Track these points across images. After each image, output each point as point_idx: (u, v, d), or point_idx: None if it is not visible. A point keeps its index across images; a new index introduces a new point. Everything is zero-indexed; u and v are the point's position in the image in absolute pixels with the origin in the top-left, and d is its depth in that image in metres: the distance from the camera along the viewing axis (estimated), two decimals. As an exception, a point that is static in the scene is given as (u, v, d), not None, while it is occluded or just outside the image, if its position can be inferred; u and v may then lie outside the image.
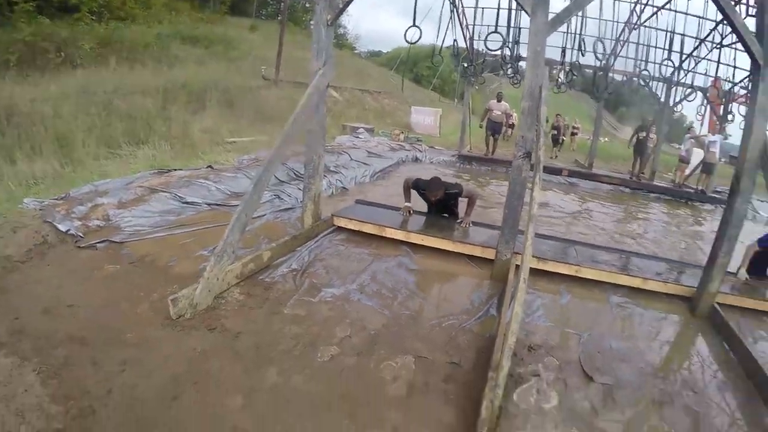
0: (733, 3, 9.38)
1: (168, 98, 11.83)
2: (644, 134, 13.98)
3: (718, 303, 4.89)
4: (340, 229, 5.49)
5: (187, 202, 5.78)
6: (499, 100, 13.78)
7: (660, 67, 11.73)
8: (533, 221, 3.88)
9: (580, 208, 9.96)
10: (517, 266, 4.70)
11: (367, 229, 5.36)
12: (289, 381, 2.88)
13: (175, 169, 6.97)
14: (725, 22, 4.61)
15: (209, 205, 5.90)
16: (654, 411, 3.12)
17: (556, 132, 17.63)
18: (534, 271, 4.81)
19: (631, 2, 11.99)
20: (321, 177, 5.44)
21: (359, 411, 2.72)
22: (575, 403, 3.00)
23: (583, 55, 11.56)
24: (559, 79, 13.57)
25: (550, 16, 4.31)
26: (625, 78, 13.37)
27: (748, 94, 4.58)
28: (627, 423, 2.95)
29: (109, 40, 15.77)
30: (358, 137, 13.22)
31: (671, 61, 11.81)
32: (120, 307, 3.48)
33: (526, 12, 4.30)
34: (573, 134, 21.29)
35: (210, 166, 7.42)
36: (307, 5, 41.32)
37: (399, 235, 5.25)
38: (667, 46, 11.88)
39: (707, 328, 4.66)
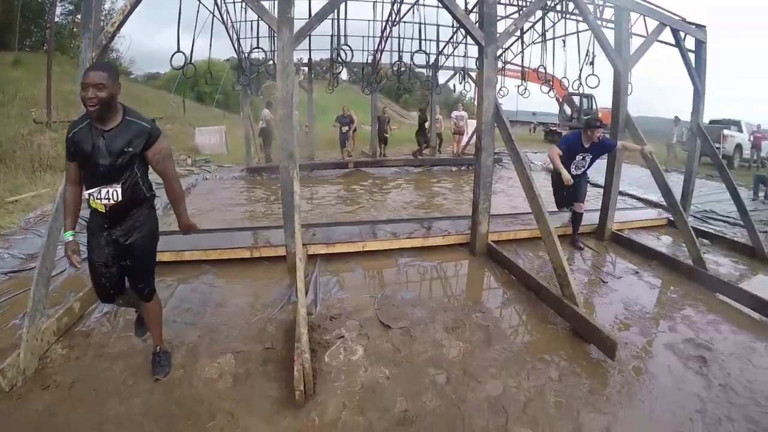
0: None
1: (-68, 160, 10.19)
2: (428, 123, 15.51)
3: (494, 241, 5.91)
4: (141, 264, 5.40)
5: (-19, 275, 5.15)
6: (270, 109, 14.02)
7: (424, 55, 12.75)
8: (298, 212, 4.49)
9: (374, 191, 10.74)
10: (310, 256, 5.32)
11: (166, 257, 5.25)
12: (130, 407, 2.93)
13: (-43, 242, 6.14)
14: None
15: (5, 274, 5.31)
16: (449, 335, 3.80)
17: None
18: (327, 256, 5.48)
19: (388, 2, 12.90)
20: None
21: (197, 410, 2.89)
22: (378, 348, 3.54)
23: (341, 58, 12.25)
24: (343, 77, 14.06)
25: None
26: (391, 70, 14.35)
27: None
28: (426, 349, 3.57)
29: None
30: (145, 170, 12.59)
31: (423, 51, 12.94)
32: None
33: (273, 30, 4.70)
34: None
35: (-5, 232, 6.65)
36: (75, 30, 37.30)
37: (197, 255, 5.35)
38: (426, 37, 13.01)
39: (486, 262, 5.65)
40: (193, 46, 7.19)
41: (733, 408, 3.11)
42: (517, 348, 3.68)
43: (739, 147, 18.18)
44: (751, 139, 18.01)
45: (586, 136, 5.90)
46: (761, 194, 10.82)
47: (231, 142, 17.63)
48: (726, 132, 17.81)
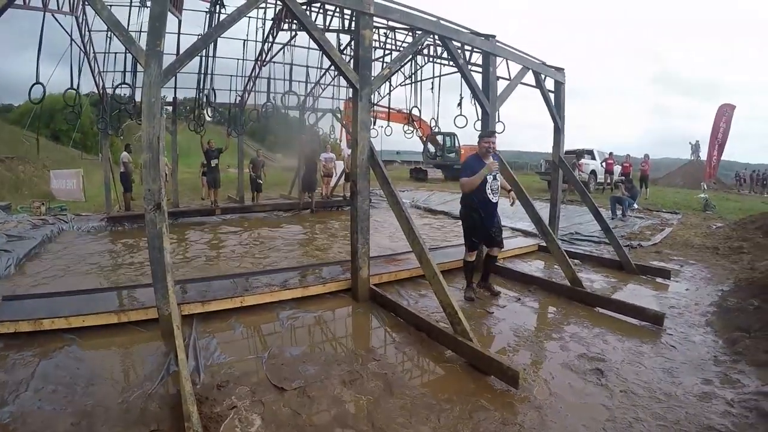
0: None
1: None
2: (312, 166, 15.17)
3: (375, 284, 5.88)
4: (-6, 337, 4.54)
5: None
6: (129, 152, 13.26)
7: (291, 97, 12.74)
8: (170, 271, 4.15)
9: (246, 239, 10.45)
10: (184, 316, 4.82)
11: (23, 327, 4.54)
12: None
13: None
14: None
15: None
16: (348, 389, 3.60)
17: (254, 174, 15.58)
18: (203, 315, 5.04)
19: (259, 41, 12.58)
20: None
21: None
22: (276, 414, 3.23)
23: (207, 99, 11.93)
24: (208, 117, 13.54)
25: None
26: (259, 110, 14.12)
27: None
28: (328, 408, 3.34)
29: None
30: (-6, 220, 11.08)
31: (294, 92, 12.94)
32: None
33: (141, 64, 4.27)
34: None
35: None
36: None
37: (59, 323, 4.62)
38: (295, 78, 12.97)
39: (371, 307, 5.55)
40: (73, 73, 6.56)
41: (639, 409, 3.33)
42: (419, 392, 3.59)
43: (593, 173, 20.25)
44: (604, 165, 20.15)
45: (483, 151, 5.51)
46: (618, 213, 12.07)
47: (89, 188, 16.30)
48: (581, 160, 19.70)
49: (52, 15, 7.61)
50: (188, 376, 3.15)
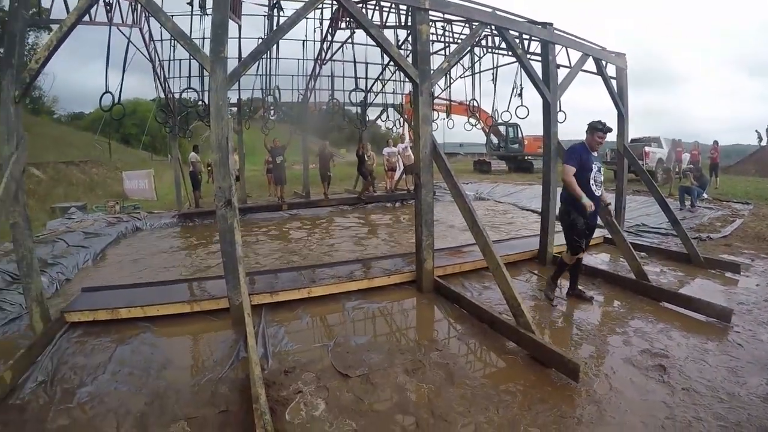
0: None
1: None
2: (362, 154, 15.23)
3: (439, 276, 5.88)
4: (74, 324, 4.87)
5: None
6: (197, 152, 13.79)
7: (353, 93, 12.93)
8: (241, 263, 4.32)
9: (313, 233, 10.65)
10: (253, 306, 4.94)
11: (101, 316, 4.92)
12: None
13: None
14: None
15: None
16: (411, 377, 3.68)
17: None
18: (271, 306, 5.24)
19: (317, 41, 12.81)
20: (38, 273, 4.70)
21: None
22: (340, 399, 3.35)
23: (273, 96, 12.24)
24: (270, 116, 13.87)
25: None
26: (322, 108, 14.31)
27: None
28: (390, 395, 3.42)
29: None
30: (71, 218, 11.77)
31: (359, 88, 13.13)
32: None
33: (206, 70, 4.50)
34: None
35: None
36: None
37: (134, 312, 4.96)
38: (355, 75, 13.09)
39: (435, 298, 5.58)
40: (121, 86, 6.92)
41: (700, 408, 3.23)
42: (480, 382, 3.62)
43: (660, 161, 19.22)
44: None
45: (594, 142, 5.13)
46: (687, 203, 11.53)
47: (160, 187, 17.01)
48: (648, 148, 18.81)
49: (117, 28, 7.99)
50: (257, 360, 3.30)
